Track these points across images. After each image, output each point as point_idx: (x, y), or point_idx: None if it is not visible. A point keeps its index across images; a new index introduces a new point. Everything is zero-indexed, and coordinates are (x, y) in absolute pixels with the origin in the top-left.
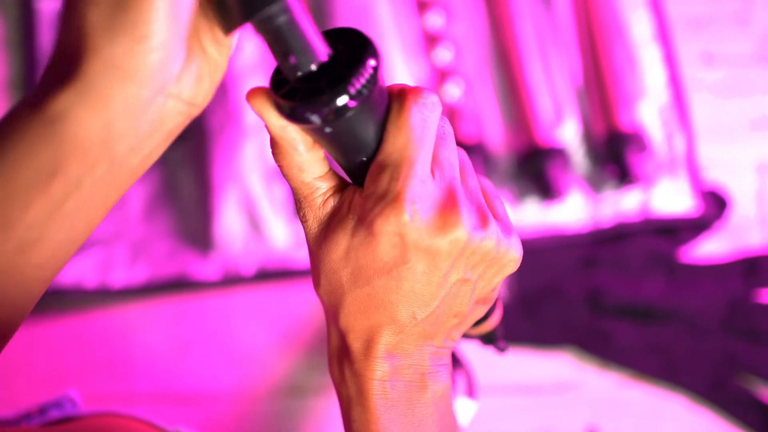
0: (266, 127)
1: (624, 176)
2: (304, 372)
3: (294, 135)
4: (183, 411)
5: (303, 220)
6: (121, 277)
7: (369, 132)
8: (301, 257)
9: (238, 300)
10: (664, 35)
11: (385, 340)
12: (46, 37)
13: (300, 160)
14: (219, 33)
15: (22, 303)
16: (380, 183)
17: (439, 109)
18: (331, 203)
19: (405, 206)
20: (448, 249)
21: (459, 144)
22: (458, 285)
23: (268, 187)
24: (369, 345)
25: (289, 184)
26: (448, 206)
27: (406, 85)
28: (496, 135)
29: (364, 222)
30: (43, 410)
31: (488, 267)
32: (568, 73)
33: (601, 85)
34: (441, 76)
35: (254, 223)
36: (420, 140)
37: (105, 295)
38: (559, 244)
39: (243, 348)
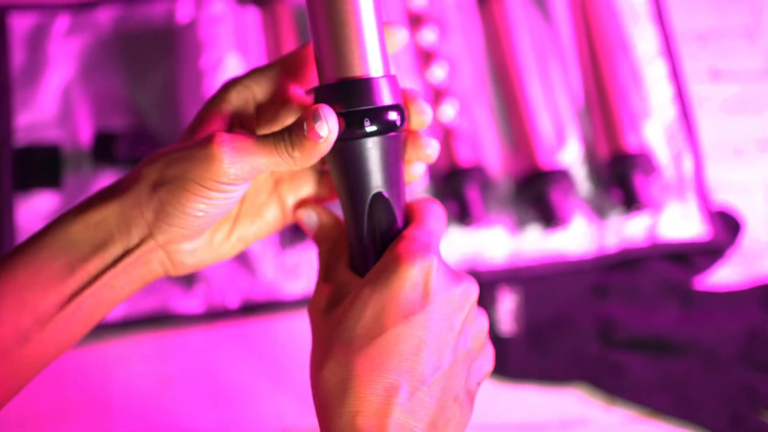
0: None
1: (630, 201)
2: (293, 410)
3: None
4: None
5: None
6: None
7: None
8: (288, 288)
9: (222, 334)
10: (669, 50)
11: (399, 407)
12: (18, 56)
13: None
14: (237, 234)
15: (9, 390)
16: (412, 231)
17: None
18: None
19: (432, 252)
20: (460, 300)
21: (456, 168)
22: (463, 356)
23: None
24: (382, 413)
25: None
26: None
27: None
28: (494, 157)
29: (391, 264)
30: None
31: (482, 348)
32: (568, 91)
33: (604, 104)
34: (436, 95)
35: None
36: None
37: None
38: (564, 271)
39: (228, 385)
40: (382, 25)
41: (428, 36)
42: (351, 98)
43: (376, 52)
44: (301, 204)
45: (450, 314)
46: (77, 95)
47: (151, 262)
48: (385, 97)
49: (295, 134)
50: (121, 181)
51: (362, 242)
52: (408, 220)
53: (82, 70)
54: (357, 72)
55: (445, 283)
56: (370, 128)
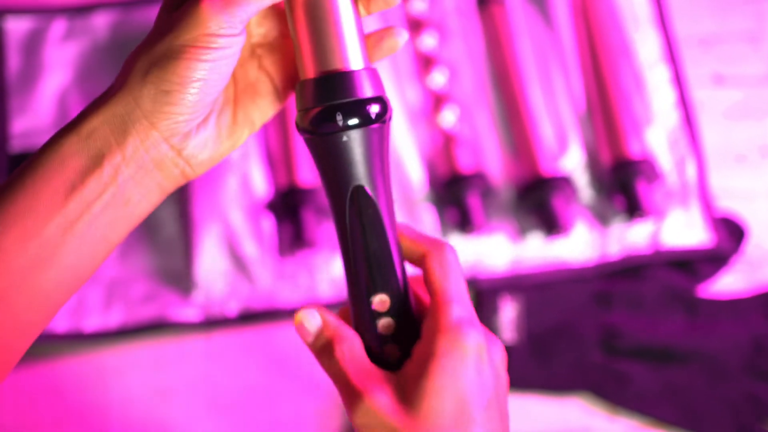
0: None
1: (633, 208)
2: (292, 420)
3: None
4: None
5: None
6: (94, 320)
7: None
8: (287, 296)
9: (221, 343)
10: (672, 55)
11: None
12: (14, 61)
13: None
14: (241, 116)
15: (29, 327)
16: (456, 313)
17: None
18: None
19: (476, 321)
20: (502, 360)
21: (457, 175)
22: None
23: (252, 222)
24: None
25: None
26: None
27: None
28: (494, 164)
29: (453, 350)
30: None
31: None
32: (570, 97)
33: (606, 110)
34: (436, 101)
35: (237, 260)
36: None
37: (77, 340)
38: (566, 278)
39: (227, 395)
40: (359, 17)
41: (428, 41)
42: (331, 92)
43: (355, 44)
44: None
45: (498, 372)
46: (74, 101)
47: (164, 165)
48: (366, 90)
49: None
50: (113, 84)
51: (345, 239)
52: (428, 274)
53: (78, 76)
54: (336, 65)
55: (490, 343)
56: (351, 121)
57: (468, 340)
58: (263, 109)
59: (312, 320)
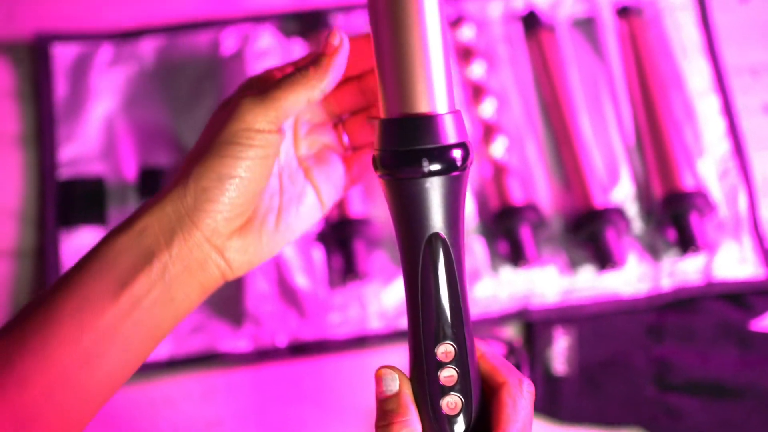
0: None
1: (687, 242)
2: None
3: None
4: None
5: None
6: None
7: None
8: (336, 329)
9: (271, 374)
10: (722, 84)
11: None
12: (61, 88)
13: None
14: (283, 225)
15: (74, 425)
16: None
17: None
18: None
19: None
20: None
21: (508, 207)
22: None
23: (303, 254)
24: None
25: None
26: None
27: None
28: (545, 195)
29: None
30: None
31: None
32: (620, 127)
33: (657, 140)
34: (486, 131)
35: (288, 292)
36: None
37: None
38: (617, 310)
39: (276, 426)
40: (449, 58)
41: (477, 70)
42: (414, 136)
43: (442, 87)
44: None
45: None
46: (121, 127)
47: (206, 265)
48: (451, 135)
49: (309, 59)
50: (167, 183)
51: (415, 286)
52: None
53: (125, 102)
54: (423, 108)
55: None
56: (435, 167)
57: None
58: (305, 219)
59: (391, 384)
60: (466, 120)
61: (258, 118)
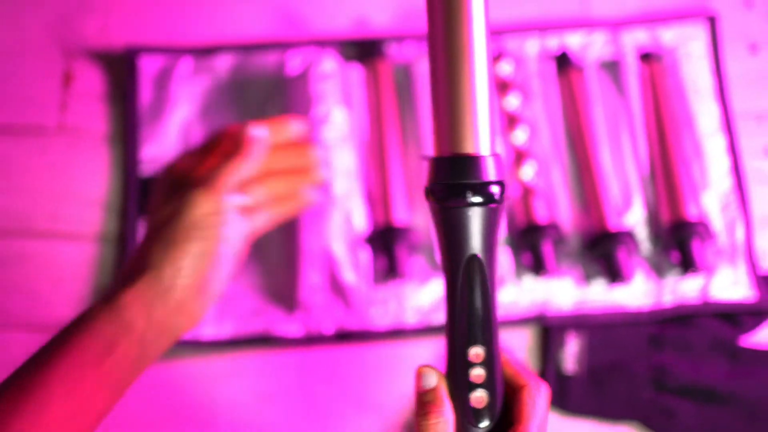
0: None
1: (688, 264)
2: (376, 428)
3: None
4: None
5: None
6: (209, 330)
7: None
8: (377, 320)
9: (318, 357)
10: (729, 127)
11: None
12: (146, 94)
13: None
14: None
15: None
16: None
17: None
18: None
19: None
20: None
21: (533, 224)
22: None
23: (352, 253)
24: None
25: None
26: None
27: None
28: (566, 215)
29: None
30: None
31: None
32: (636, 159)
33: (668, 173)
34: (517, 156)
35: (337, 285)
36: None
37: (196, 346)
38: (624, 321)
39: (320, 403)
40: (495, 110)
41: (513, 102)
42: (461, 172)
43: (486, 134)
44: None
45: None
46: (195, 132)
47: (177, 328)
48: (491, 174)
49: (231, 145)
50: (136, 259)
51: (454, 297)
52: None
53: (200, 110)
54: (469, 150)
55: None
56: (476, 199)
57: None
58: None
59: (429, 380)
60: (502, 149)
61: (211, 204)
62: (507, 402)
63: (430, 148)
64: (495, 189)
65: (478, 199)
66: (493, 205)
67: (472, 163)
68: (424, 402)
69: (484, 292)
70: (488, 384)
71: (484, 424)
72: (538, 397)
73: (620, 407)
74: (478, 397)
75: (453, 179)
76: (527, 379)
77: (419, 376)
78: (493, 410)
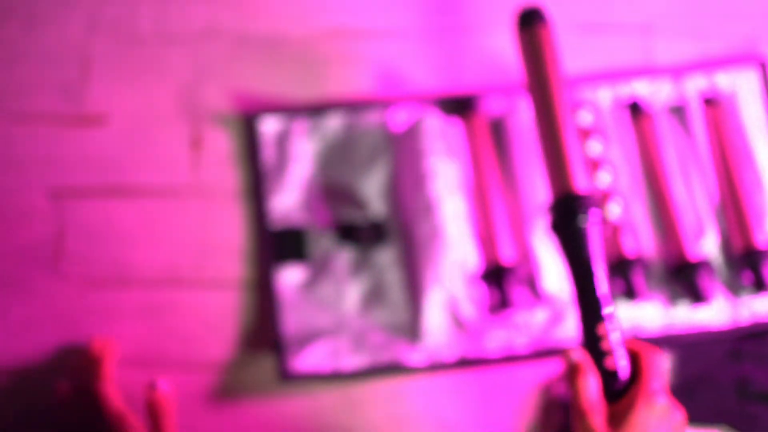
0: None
1: (760, 285)
2: None
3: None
4: None
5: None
6: (347, 362)
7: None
8: (493, 347)
9: (442, 382)
10: None
11: None
12: (268, 153)
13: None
14: None
15: None
16: (655, 385)
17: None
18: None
19: (664, 394)
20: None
21: (623, 259)
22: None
23: (468, 289)
24: None
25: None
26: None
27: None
28: (649, 245)
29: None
30: None
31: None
32: (706, 193)
33: (736, 205)
34: (603, 196)
35: (456, 318)
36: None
37: (336, 377)
38: (707, 339)
39: (447, 423)
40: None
41: (595, 147)
42: (573, 206)
43: (582, 178)
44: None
45: (675, 425)
46: (315, 185)
47: None
48: (590, 204)
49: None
50: None
51: (580, 294)
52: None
53: (316, 166)
54: (574, 191)
55: (672, 407)
56: (583, 223)
57: (658, 402)
58: None
59: (574, 353)
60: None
61: None
62: (633, 366)
63: (546, 193)
64: (596, 216)
65: (584, 223)
66: (593, 226)
67: (580, 198)
68: (573, 369)
69: (596, 287)
70: (614, 350)
71: (617, 380)
72: (656, 359)
73: (708, 413)
74: (610, 361)
75: (569, 211)
76: (647, 349)
77: (567, 353)
78: (623, 370)
